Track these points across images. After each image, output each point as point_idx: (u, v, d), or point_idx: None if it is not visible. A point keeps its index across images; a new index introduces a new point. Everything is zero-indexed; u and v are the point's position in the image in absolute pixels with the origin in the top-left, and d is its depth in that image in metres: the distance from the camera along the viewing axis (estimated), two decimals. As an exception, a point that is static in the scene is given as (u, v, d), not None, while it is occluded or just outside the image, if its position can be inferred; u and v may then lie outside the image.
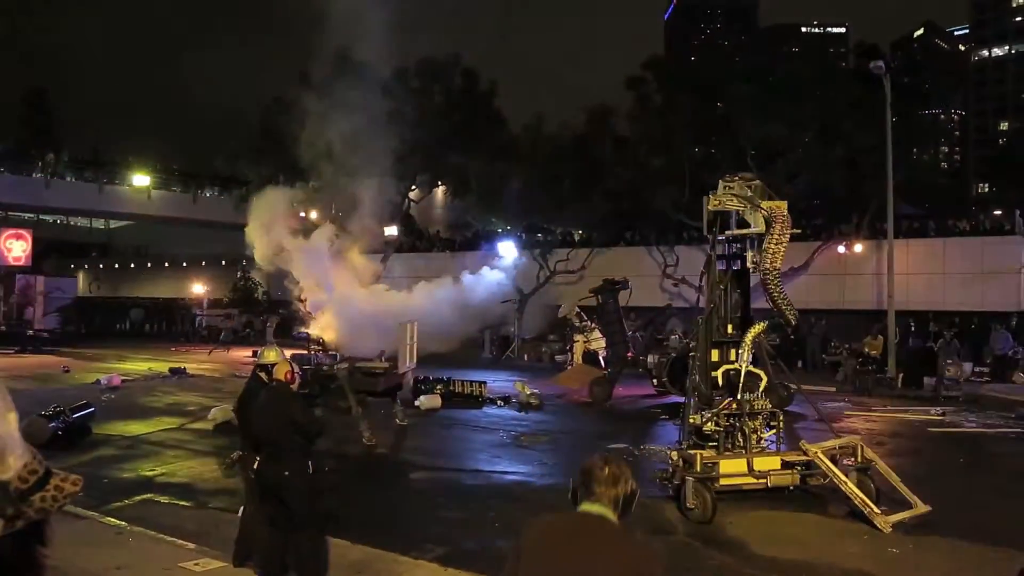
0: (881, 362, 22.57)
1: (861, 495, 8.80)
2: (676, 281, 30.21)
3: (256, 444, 6.68)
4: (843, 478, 8.96)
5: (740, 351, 9.73)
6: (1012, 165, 47.75)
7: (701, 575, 7.52)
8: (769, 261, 9.23)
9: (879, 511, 8.63)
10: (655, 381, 18.76)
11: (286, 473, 6.43)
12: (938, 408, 17.85)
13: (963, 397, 19.13)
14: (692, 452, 9.32)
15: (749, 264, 10.00)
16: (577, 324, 22.01)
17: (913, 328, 25.28)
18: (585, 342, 22.08)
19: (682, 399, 18.48)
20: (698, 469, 8.95)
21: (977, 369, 22.82)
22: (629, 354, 20.14)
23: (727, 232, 10.30)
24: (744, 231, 10.05)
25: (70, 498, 1.94)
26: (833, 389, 20.69)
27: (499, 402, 18.07)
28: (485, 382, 19.23)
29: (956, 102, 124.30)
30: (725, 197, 9.82)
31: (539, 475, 11.53)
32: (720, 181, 10.03)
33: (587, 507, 2.96)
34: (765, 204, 9.50)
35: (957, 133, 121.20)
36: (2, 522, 1.77)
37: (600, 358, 22.03)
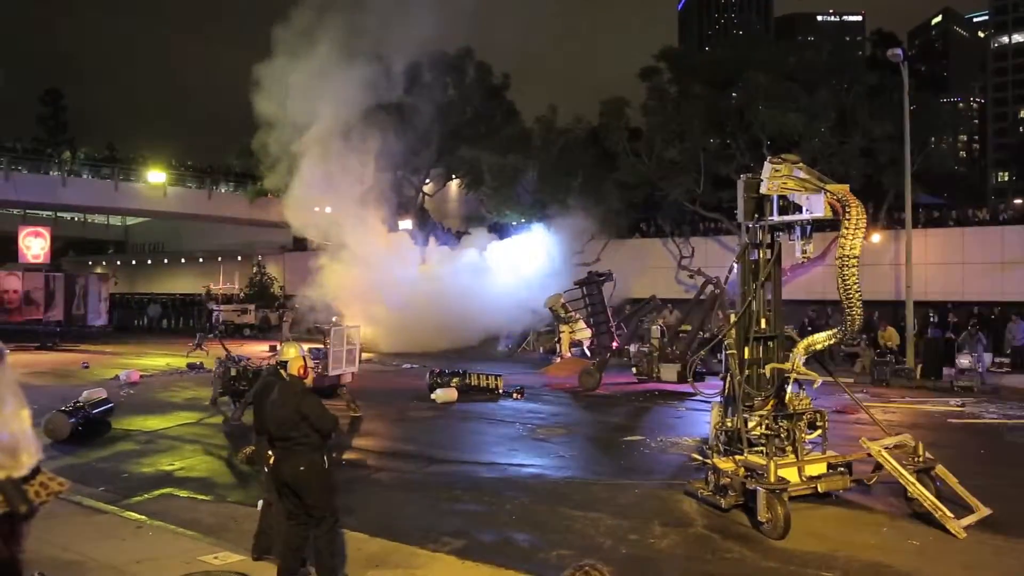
0: (899, 353, 22.46)
1: (932, 498, 8.45)
2: (692, 273, 30.13)
3: (271, 438, 6.72)
4: (912, 480, 8.62)
5: (794, 353, 9.13)
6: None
7: (720, 567, 7.51)
8: (849, 248, 8.56)
9: (951, 515, 8.31)
10: (635, 369, 19.76)
11: (301, 468, 6.47)
12: (957, 399, 17.72)
13: (977, 388, 18.99)
14: (761, 461, 8.72)
15: (799, 252, 9.37)
16: (563, 315, 22.07)
17: (933, 319, 25.06)
18: (571, 332, 22.19)
19: (661, 386, 19.10)
20: (772, 480, 8.28)
21: (997, 360, 22.62)
22: (614, 344, 20.44)
23: (772, 219, 9.42)
24: (793, 217, 9.27)
25: (52, 497, 1.94)
26: (851, 380, 20.54)
27: (515, 395, 18.09)
28: (501, 375, 19.27)
29: (975, 90, 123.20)
30: (781, 180, 9.03)
31: (555, 468, 11.53)
32: (768, 164, 9.25)
33: None
34: (832, 187, 8.83)
35: (976, 121, 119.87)
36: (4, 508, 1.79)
37: (584, 348, 22.19)
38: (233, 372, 15.22)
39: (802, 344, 9.10)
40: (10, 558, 1.93)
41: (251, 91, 28.73)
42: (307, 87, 28.13)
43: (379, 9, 28.37)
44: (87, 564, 6.99)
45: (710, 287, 20.14)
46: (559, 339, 23.03)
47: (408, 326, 28.59)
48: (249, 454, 7.06)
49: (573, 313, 22.06)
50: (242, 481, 10.46)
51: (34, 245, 35.65)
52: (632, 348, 20.37)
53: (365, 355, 27.06)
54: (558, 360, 22.50)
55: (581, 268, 31.29)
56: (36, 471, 1.90)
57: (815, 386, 9.57)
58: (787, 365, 9.17)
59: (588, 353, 22.17)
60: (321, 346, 16.31)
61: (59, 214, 54.09)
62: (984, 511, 8.66)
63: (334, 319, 29.16)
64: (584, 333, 21.98)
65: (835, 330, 9.31)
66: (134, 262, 61.96)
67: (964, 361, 19.92)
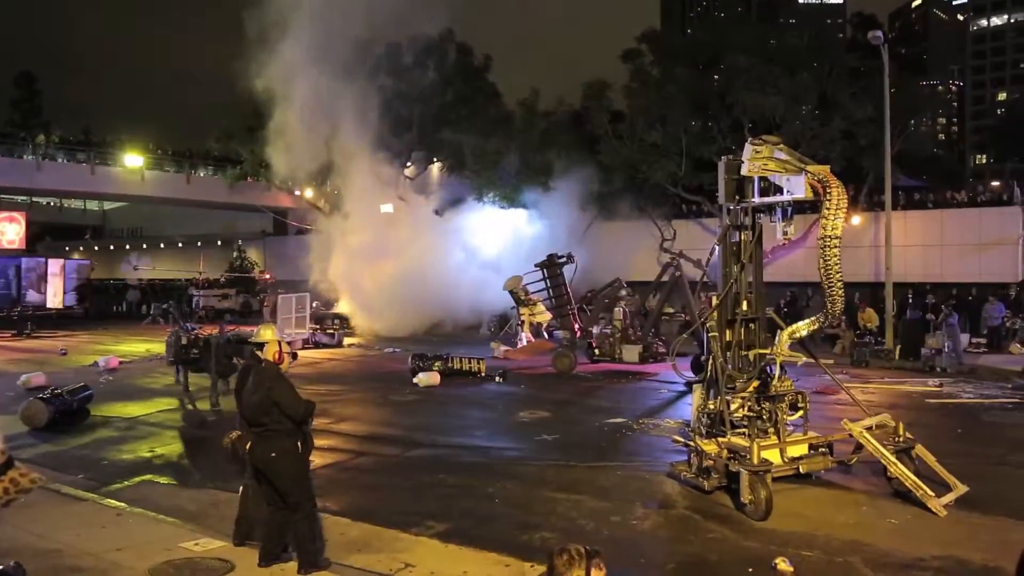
0: (878, 334, 22.67)
1: (913, 477, 8.51)
2: (673, 255, 30.18)
3: (249, 424, 6.68)
4: (892, 459, 8.58)
5: (779, 336, 9.12)
6: (1010, 136, 47.54)
7: (700, 547, 7.56)
8: (830, 228, 8.54)
9: (932, 493, 8.36)
10: (597, 351, 19.93)
11: (272, 454, 6.44)
12: (935, 379, 17.91)
13: (952, 368, 19.19)
14: (743, 443, 8.73)
15: (780, 234, 9.36)
16: (522, 298, 22.07)
17: (911, 300, 25.30)
18: (530, 316, 22.23)
19: (618, 366, 19.35)
20: (755, 461, 8.27)
21: (974, 340, 22.87)
22: (577, 326, 20.57)
23: (753, 201, 9.36)
24: (774, 199, 9.23)
25: (23, 494, 1.88)
26: (831, 361, 20.71)
27: (497, 378, 18.11)
28: (483, 358, 19.30)
29: (954, 72, 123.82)
30: (762, 162, 8.98)
31: (538, 450, 11.55)
32: (748, 145, 9.22)
33: None
34: (813, 168, 8.82)
35: (955, 104, 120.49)
36: None
37: (543, 331, 22.24)
38: (184, 340, 15.15)
39: (786, 333, 9.10)
40: None
41: (230, 72, 28.51)
42: (284, 67, 27.92)
43: None
44: (66, 552, 6.93)
45: (671, 269, 20.29)
46: (520, 322, 23.03)
47: (392, 310, 28.59)
48: (234, 439, 7.01)
49: (531, 296, 22.10)
50: (223, 467, 10.38)
51: (9, 230, 35.27)
52: (595, 330, 20.47)
53: (348, 340, 27.12)
54: (521, 344, 22.47)
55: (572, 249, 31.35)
56: (8, 465, 1.83)
57: (798, 364, 9.62)
58: (771, 350, 9.18)
59: (546, 335, 22.27)
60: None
61: (34, 199, 53.34)
62: (962, 489, 8.75)
63: (316, 304, 29.18)
64: (544, 316, 22.03)
65: (817, 316, 9.31)
66: (112, 247, 61.26)
67: (933, 342, 20.18)
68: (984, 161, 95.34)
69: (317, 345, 25.23)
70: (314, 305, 28.70)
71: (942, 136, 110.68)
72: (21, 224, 35.61)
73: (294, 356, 7.28)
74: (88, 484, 9.58)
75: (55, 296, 33.91)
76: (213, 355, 14.33)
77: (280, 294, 27.33)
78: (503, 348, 22.43)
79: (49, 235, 59.97)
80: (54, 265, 35.30)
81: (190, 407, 14.77)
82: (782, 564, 6.75)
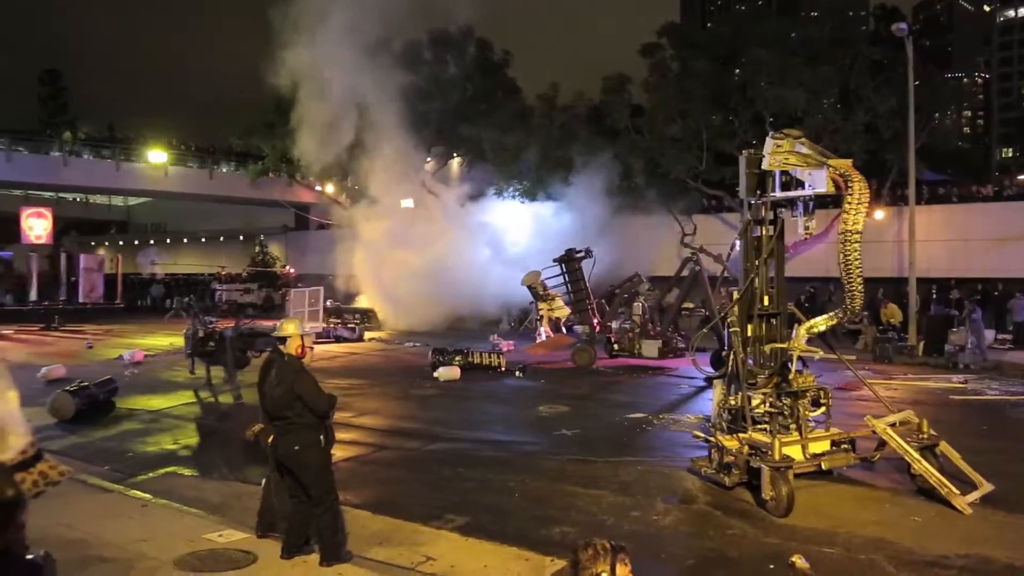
0: (901, 330, 22.43)
1: (937, 475, 8.42)
2: (694, 250, 30.05)
3: (270, 417, 6.72)
4: (916, 456, 8.57)
5: (796, 331, 9.05)
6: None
7: (721, 543, 7.52)
8: (851, 223, 8.45)
9: (956, 491, 8.29)
10: (616, 346, 20.19)
11: (295, 447, 6.47)
12: (960, 376, 17.70)
13: (976, 364, 18.95)
14: (764, 439, 8.65)
15: (802, 229, 9.27)
16: (541, 293, 22.03)
17: (935, 295, 25.00)
18: (549, 310, 22.20)
19: (637, 361, 19.33)
20: (777, 457, 8.21)
21: (1000, 336, 22.58)
22: (595, 321, 20.53)
23: (774, 195, 9.24)
24: (796, 193, 9.10)
25: (52, 486, 1.89)
26: (853, 357, 20.53)
27: (517, 373, 18.11)
28: (503, 353, 19.31)
29: (980, 64, 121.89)
30: (783, 156, 8.87)
31: (557, 445, 11.54)
32: (769, 139, 9.09)
33: None
34: (835, 162, 8.73)
35: (981, 97, 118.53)
36: None
37: (562, 326, 22.21)
38: (201, 333, 15.30)
39: (803, 327, 9.01)
40: (4, 549, 1.89)
41: (253, 69, 28.75)
42: (307, 64, 28.08)
43: None
44: (92, 542, 7.02)
45: (691, 264, 20.24)
46: (539, 317, 23.04)
47: (413, 304, 28.68)
48: (257, 432, 7.05)
49: (550, 291, 22.10)
50: (246, 459, 10.48)
51: (36, 226, 35.76)
52: (614, 325, 20.62)
53: (369, 334, 27.23)
54: (541, 339, 22.45)
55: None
56: (37, 458, 1.86)
57: (815, 359, 9.53)
58: (788, 345, 9.11)
59: (565, 330, 22.25)
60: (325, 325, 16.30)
61: (61, 195, 53.96)
62: (987, 487, 8.65)
63: (330, 302, 29.35)
64: (562, 311, 21.99)
65: (835, 311, 9.18)
66: (136, 242, 61.87)
67: (956, 338, 19.97)
68: (1010, 154, 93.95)
69: (338, 339, 25.36)
70: (327, 303, 28.84)
71: (967, 130, 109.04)
72: (48, 220, 36.08)
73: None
74: (114, 475, 9.70)
75: (92, 292, 34.19)
76: (228, 348, 14.48)
77: (299, 288, 27.47)
78: (498, 338, 22.60)
79: (75, 230, 60.70)
80: (89, 260, 35.65)
81: (212, 400, 14.90)
82: (799, 561, 6.69)
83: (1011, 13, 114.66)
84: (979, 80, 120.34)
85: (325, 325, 26.82)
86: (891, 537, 7.53)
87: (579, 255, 21.40)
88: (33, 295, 32.77)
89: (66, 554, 6.55)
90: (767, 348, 9.46)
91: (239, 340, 14.50)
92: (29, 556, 2.19)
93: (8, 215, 41.93)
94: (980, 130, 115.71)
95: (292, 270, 42.59)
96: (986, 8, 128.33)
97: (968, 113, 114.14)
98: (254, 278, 41.02)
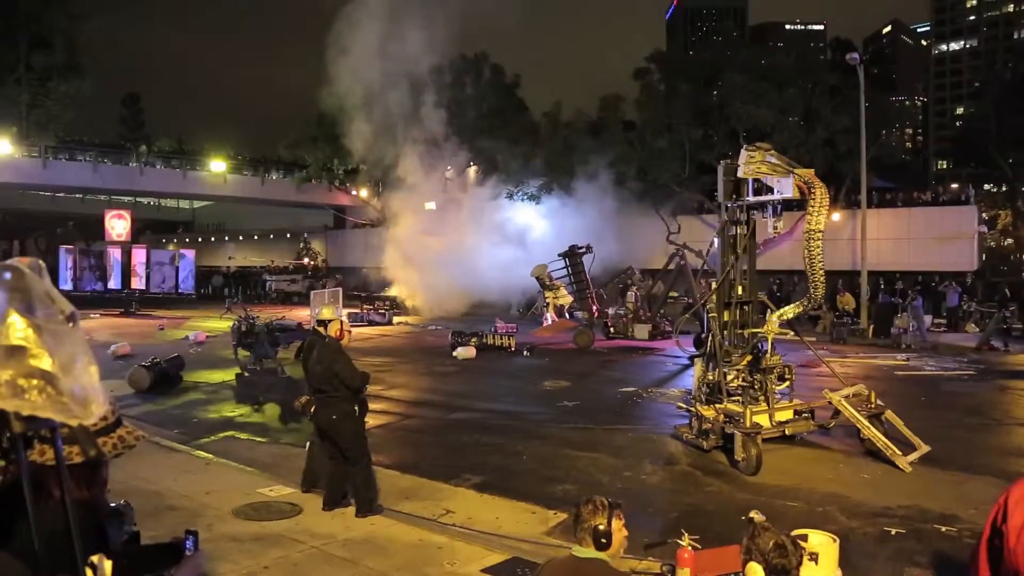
0: (854, 315, 22.32)
1: (883, 439, 8.40)
2: (678, 247, 29.90)
3: (313, 390, 6.70)
4: (865, 423, 8.51)
5: (768, 318, 8.93)
6: (967, 145, 46.70)
7: (700, 499, 7.47)
8: (815, 223, 8.41)
9: (899, 452, 8.24)
10: (612, 329, 20.21)
11: (334, 417, 6.44)
12: (903, 354, 17.60)
13: (916, 345, 18.87)
14: (737, 408, 8.56)
15: (771, 229, 9.26)
16: (547, 283, 21.92)
17: (882, 286, 24.94)
18: (554, 299, 22.11)
19: (630, 343, 19.24)
20: (747, 424, 8.20)
21: (936, 321, 22.49)
22: (594, 307, 20.43)
23: (748, 199, 9.23)
24: (766, 198, 9.07)
25: (128, 450, 1.85)
26: (814, 339, 20.37)
27: (526, 352, 18.03)
28: (514, 335, 19.22)
29: (919, 90, 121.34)
30: (756, 165, 8.81)
31: (561, 415, 11.46)
32: (744, 151, 9.03)
33: (576, 551, 2.88)
34: (800, 171, 8.70)
35: (920, 117, 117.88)
36: (81, 458, 1.71)
37: (566, 312, 22.10)
38: (244, 328, 15.27)
39: (774, 315, 8.92)
40: (91, 499, 1.86)
41: (301, 90, 28.76)
42: (346, 86, 28.09)
43: (410, 20, 28.15)
44: (166, 494, 7.01)
45: (676, 258, 20.15)
46: (545, 304, 22.95)
47: (435, 292, 28.63)
48: (304, 403, 7.03)
49: (555, 281, 22.00)
50: (292, 425, 10.46)
51: (118, 225, 35.78)
52: (611, 311, 20.57)
53: (397, 318, 27.19)
54: (547, 323, 22.34)
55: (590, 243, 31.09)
56: (117, 423, 1.81)
57: (789, 335, 9.47)
58: (762, 329, 9.05)
59: (568, 316, 22.14)
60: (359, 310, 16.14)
61: (137, 199, 54.12)
62: (925, 448, 8.63)
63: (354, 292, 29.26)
64: (566, 299, 21.90)
65: (801, 300, 9.11)
66: (200, 239, 62.00)
67: (900, 322, 19.99)
68: (945, 166, 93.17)
69: (370, 323, 25.31)
70: (360, 295, 28.75)
71: (909, 145, 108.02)
72: (127, 220, 36.17)
73: None
74: (182, 438, 9.70)
75: (163, 282, 34.00)
76: (262, 340, 14.54)
77: (329, 280, 27.38)
78: (500, 322, 22.56)
79: (149, 229, 60.87)
80: (161, 255, 35.56)
81: (258, 376, 14.88)
82: (756, 516, 6.58)
83: (944, 47, 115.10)
84: (919, 103, 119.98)
85: (359, 310, 26.80)
86: (844, 492, 7.49)
87: (580, 250, 21.27)
88: (115, 284, 32.75)
89: (143, 503, 6.51)
90: (745, 332, 9.39)
91: (268, 335, 14.60)
92: (112, 504, 2.19)
93: (94, 217, 42.04)
94: (920, 145, 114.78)
95: (314, 264, 42.55)
96: (924, 43, 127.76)
97: (910, 131, 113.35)
98: (299, 270, 41.04)
